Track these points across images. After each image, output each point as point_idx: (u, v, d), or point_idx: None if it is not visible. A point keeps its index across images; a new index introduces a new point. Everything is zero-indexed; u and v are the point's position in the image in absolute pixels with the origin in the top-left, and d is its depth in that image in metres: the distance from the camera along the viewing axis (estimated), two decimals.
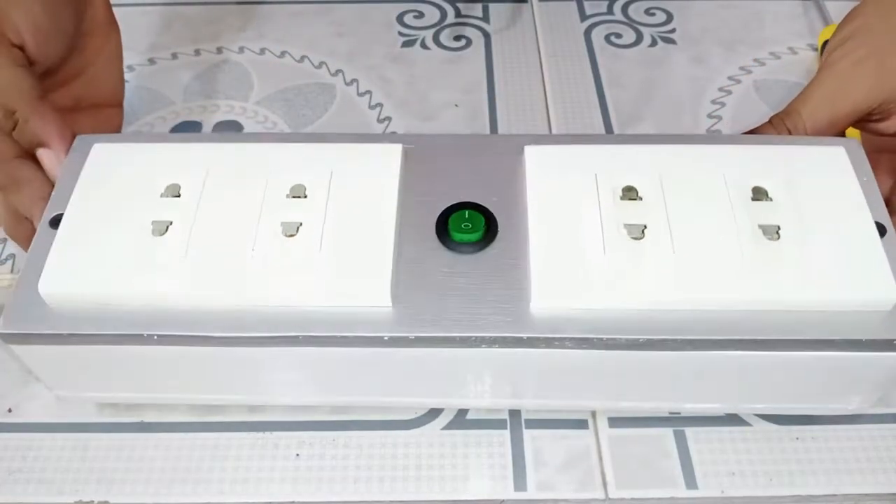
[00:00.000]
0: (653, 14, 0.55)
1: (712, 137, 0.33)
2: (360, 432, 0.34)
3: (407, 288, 0.29)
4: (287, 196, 0.31)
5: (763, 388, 0.31)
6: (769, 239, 0.29)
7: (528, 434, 0.34)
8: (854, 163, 0.31)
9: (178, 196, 0.31)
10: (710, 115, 0.48)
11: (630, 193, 0.31)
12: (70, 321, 0.29)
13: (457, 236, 0.30)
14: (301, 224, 0.30)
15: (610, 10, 0.56)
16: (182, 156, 0.32)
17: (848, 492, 0.32)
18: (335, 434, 0.34)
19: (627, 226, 0.29)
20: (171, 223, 0.30)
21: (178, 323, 0.28)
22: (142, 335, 0.28)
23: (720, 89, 0.49)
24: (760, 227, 0.29)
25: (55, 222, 0.31)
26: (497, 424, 0.34)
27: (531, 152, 0.32)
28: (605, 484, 0.32)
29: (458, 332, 0.28)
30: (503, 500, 0.32)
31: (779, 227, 0.29)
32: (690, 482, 0.32)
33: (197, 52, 0.53)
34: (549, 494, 0.32)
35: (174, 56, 0.52)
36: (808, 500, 0.32)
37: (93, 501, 0.32)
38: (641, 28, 0.54)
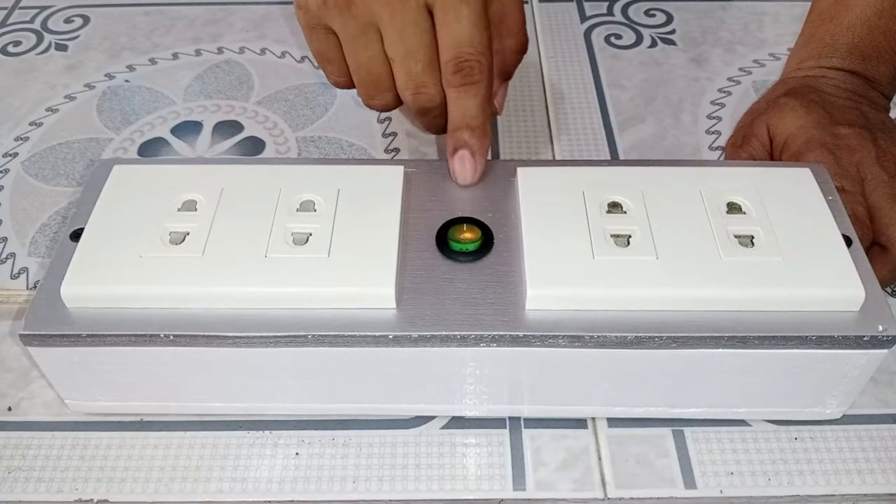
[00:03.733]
0: (653, 15, 0.55)
1: (692, 162, 0.38)
2: (359, 431, 0.34)
3: (410, 292, 0.31)
4: (297, 210, 0.33)
5: (744, 390, 0.32)
6: (744, 246, 0.31)
7: (526, 433, 0.34)
8: (820, 183, 0.34)
9: (195, 210, 0.33)
10: (709, 116, 0.48)
11: (615, 208, 0.33)
12: (89, 323, 0.30)
13: (456, 246, 0.32)
14: (311, 234, 0.32)
15: (610, 11, 0.56)
16: (198, 175, 0.34)
17: (846, 492, 0.32)
18: (335, 433, 0.34)
19: (614, 235, 0.32)
20: (187, 234, 0.32)
21: (192, 324, 0.30)
22: (158, 335, 0.30)
23: (720, 90, 0.50)
24: (736, 236, 0.31)
25: (76, 236, 0.32)
26: (496, 424, 0.34)
27: (523, 173, 0.34)
28: (603, 483, 0.32)
29: (458, 331, 0.30)
30: (502, 500, 0.32)
31: (752, 237, 0.32)
32: (689, 482, 0.32)
33: (198, 53, 0.53)
34: (548, 494, 0.32)
35: (175, 56, 0.53)
36: (807, 500, 0.32)
37: (92, 500, 0.32)
38: (641, 29, 0.54)
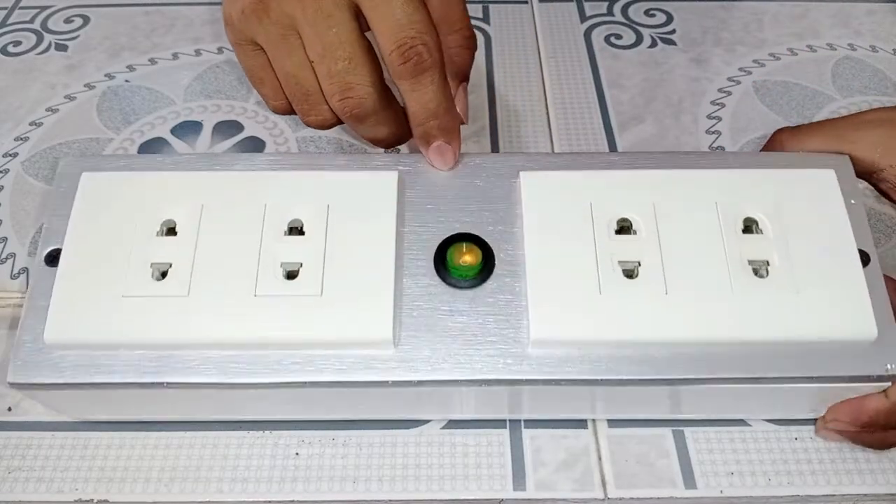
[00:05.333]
0: (653, 15, 0.55)
1: (708, 157, 0.34)
2: (359, 431, 0.34)
3: (408, 329, 0.30)
4: (285, 233, 0.31)
5: (747, 404, 0.33)
6: (758, 276, 0.30)
7: (526, 434, 0.34)
8: (843, 184, 0.32)
9: (175, 233, 0.31)
10: (709, 116, 0.48)
11: (624, 223, 0.31)
12: (77, 370, 0.29)
13: (455, 273, 0.31)
14: (301, 264, 0.30)
15: (610, 11, 0.56)
16: (175, 188, 0.32)
17: (847, 492, 0.32)
18: (335, 433, 0.34)
19: (622, 262, 0.30)
20: (170, 265, 0.30)
21: (182, 371, 0.29)
22: (149, 383, 0.29)
23: (720, 90, 0.49)
24: (750, 262, 0.30)
25: (51, 258, 0.31)
26: (496, 424, 0.34)
27: (527, 180, 0.32)
28: (603, 483, 0.32)
29: (459, 376, 0.29)
30: (502, 500, 0.32)
31: (767, 263, 0.30)
32: (689, 482, 0.32)
33: (197, 53, 0.53)
34: (548, 494, 0.32)
35: (175, 56, 0.53)
36: (807, 500, 0.32)
37: (92, 500, 0.32)
38: (641, 29, 0.54)
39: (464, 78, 0.36)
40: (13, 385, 0.29)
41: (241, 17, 0.32)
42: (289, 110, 0.35)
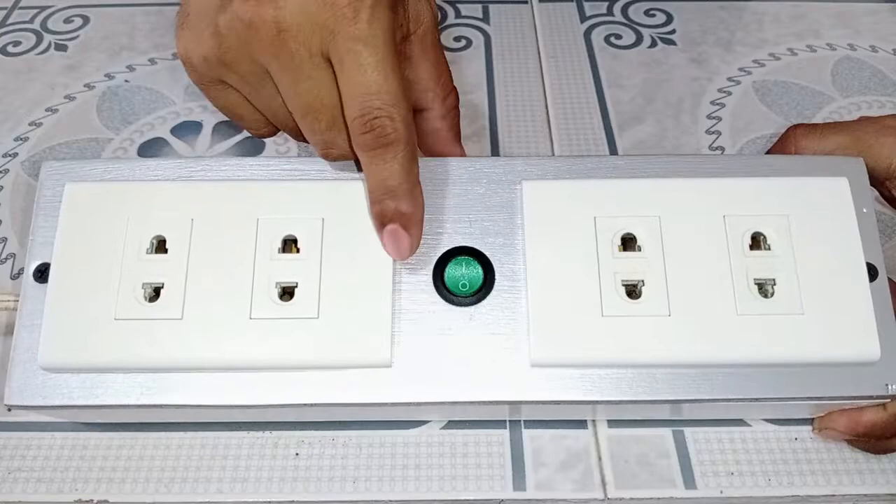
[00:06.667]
0: (653, 15, 0.55)
1: (716, 160, 0.32)
2: (359, 432, 0.34)
3: (405, 348, 0.29)
4: (279, 249, 0.30)
5: (750, 413, 0.33)
6: (763, 295, 0.29)
7: (526, 434, 0.34)
8: (855, 191, 0.31)
9: (165, 250, 0.30)
10: (709, 116, 0.48)
11: (628, 236, 0.30)
12: (72, 392, 0.29)
13: (455, 290, 0.30)
14: (296, 285, 0.29)
15: (610, 11, 0.56)
16: (164, 201, 0.31)
17: (846, 492, 0.32)
18: (334, 433, 0.34)
19: (625, 281, 0.29)
20: (162, 285, 0.29)
21: (180, 391, 0.29)
22: (145, 405, 0.29)
23: (719, 90, 0.49)
24: (756, 281, 0.29)
25: (39, 273, 0.30)
26: (496, 424, 0.34)
27: (529, 191, 0.31)
28: (603, 484, 0.32)
29: (457, 398, 0.29)
30: (502, 500, 0.32)
31: (774, 281, 0.29)
32: (689, 482, 0.32)
33: None
34: (548, 494, 0.32)
35: (175, 56, 0.52)
36: (807, 500, 0.32)
37: (92, 500, 0.32)
38: (641, 29, 0.54)
39: (456, 137, 0.34)
40: (10, 406, 0.29)
41: (202, 63, 0.29)
42: (276, 132, 0.33)
